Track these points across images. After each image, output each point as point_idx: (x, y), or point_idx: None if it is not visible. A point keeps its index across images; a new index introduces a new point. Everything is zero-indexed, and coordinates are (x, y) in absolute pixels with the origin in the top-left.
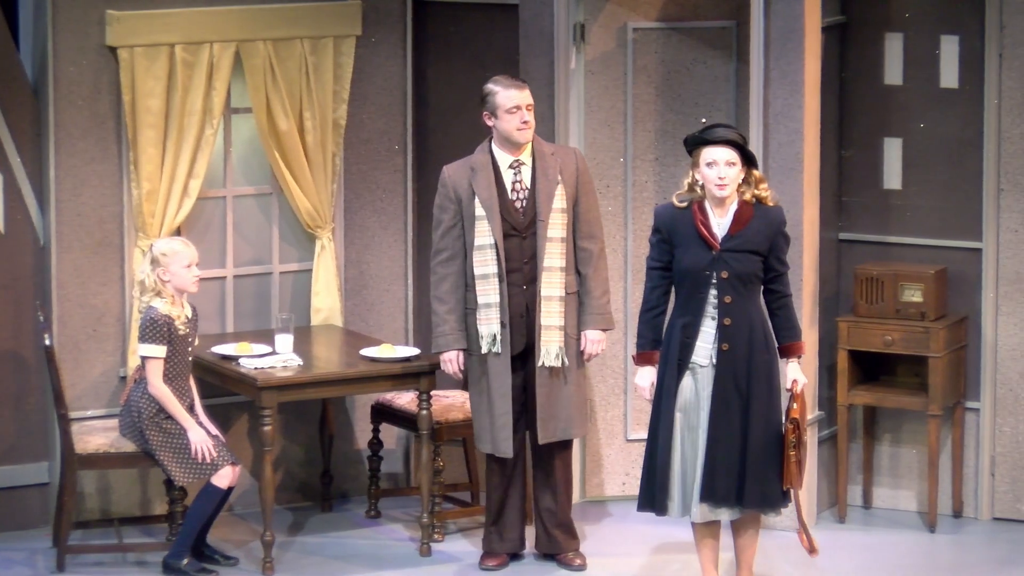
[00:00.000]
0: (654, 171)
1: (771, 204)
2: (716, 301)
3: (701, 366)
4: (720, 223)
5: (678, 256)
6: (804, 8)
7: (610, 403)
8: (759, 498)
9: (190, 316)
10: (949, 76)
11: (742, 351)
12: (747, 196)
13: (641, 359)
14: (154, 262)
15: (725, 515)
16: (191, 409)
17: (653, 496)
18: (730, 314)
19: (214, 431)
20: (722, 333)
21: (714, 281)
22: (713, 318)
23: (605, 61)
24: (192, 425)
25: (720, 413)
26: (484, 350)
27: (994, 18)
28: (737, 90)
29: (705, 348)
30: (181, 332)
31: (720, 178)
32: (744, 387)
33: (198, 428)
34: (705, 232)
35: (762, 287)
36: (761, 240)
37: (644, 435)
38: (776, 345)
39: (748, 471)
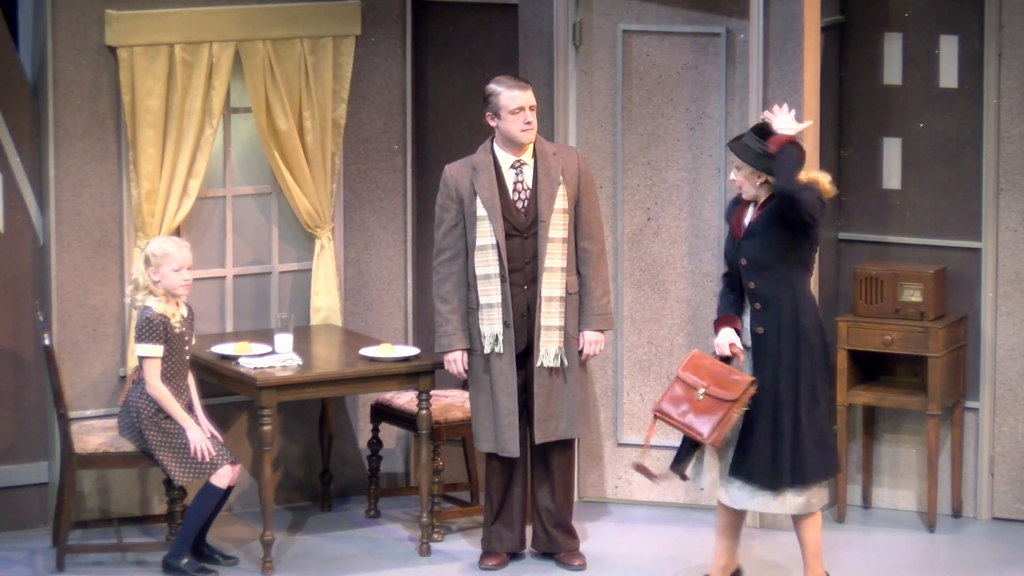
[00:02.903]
0: (645, 175)
1: None
2: (749, 287)
3: (746, 347)
4: (750, 214)
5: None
6: (803, 8)
7: (603, 405)
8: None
9: (186, 315)
10: (948, 76)
11: (773, 334)
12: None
13: (719, 323)
14: (146, 261)
15: (754, 503)
16: (189, 408)
17: (682, 457)
18: (758, 299)
19: (212, 431)
20: (754, 317)
21: (742, 267)
22: (750, 302)
23: (599, 62)
24: (191, 424)
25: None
26: (487, 350)
27: (993, 18)
28: (727, 97)
29: (747, 332)
30: (177, 331)
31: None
32: (775, 370)
33: (197, 427)
34: (735, 222)
35: (801, 268)
36: (770, 220)
37: (636, 439)
38: (806, 326)
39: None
